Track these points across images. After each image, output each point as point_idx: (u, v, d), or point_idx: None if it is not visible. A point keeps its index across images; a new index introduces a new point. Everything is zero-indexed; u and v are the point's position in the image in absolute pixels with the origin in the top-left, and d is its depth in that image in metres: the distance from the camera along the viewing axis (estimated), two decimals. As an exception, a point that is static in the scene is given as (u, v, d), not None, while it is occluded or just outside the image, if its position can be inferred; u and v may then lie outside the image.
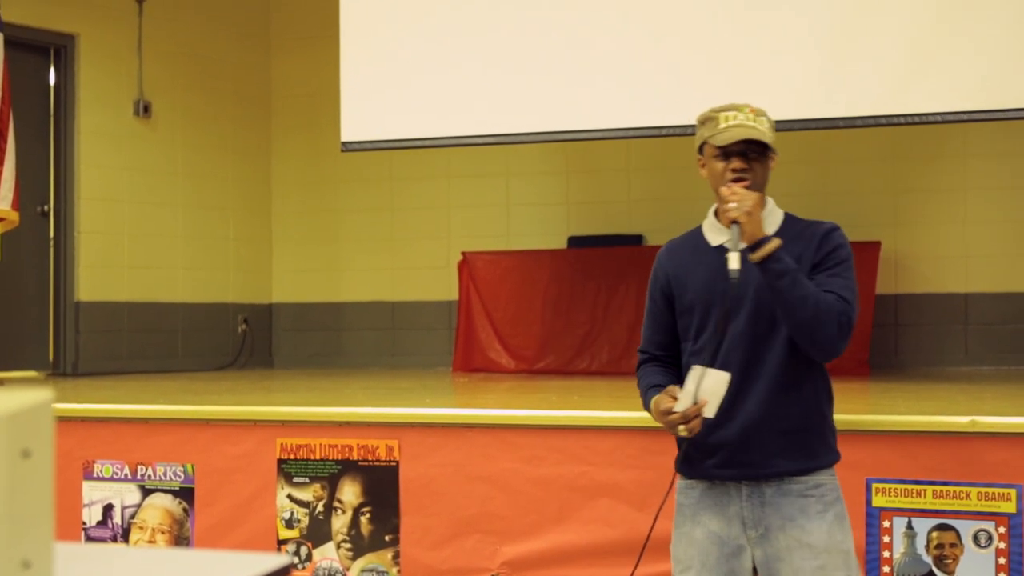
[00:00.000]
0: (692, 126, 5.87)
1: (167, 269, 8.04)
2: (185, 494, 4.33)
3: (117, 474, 4.35)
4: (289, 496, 4.23)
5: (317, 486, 4.20)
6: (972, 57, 5.50)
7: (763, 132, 2.81)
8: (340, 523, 4.19)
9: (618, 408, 4.28)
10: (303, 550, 4.21)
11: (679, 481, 2.88)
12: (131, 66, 7.85)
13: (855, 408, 4.77)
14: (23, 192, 6.14)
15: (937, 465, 3.71)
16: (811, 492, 2.76)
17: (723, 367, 2.68)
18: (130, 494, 4.38)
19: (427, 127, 6.19)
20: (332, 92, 6.41)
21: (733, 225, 2.69)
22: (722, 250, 2.75)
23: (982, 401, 4.75)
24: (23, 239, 6.99)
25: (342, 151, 6.37)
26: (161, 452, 4.40)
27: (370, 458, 4.15)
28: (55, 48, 7.55)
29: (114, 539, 4.38)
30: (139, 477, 4.38)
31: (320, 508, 4.20)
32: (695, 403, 2.64)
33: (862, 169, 7.76)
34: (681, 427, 2.67)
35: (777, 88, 5.70)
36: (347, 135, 6.27)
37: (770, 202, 2.88)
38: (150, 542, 4.33)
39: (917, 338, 7.59)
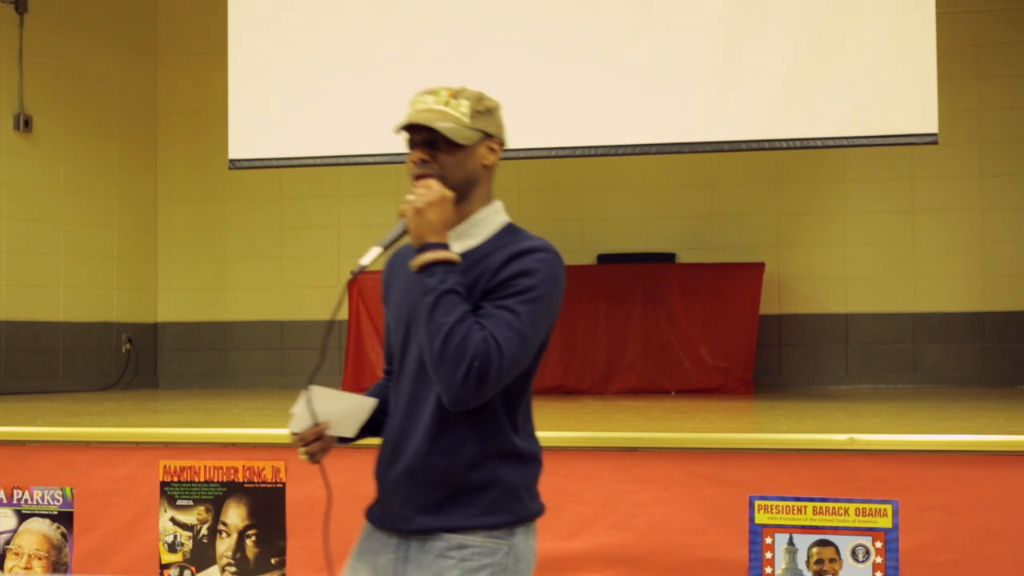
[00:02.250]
0: (586, 147, 5.96)
1: (48, 287, 7.84)
2: (64, 518, 4.22)
3: (-8, 499, 4.22)
4: (172, 519, 4.15)
5: (201, 508, 4.13)
6: (850, 86, 5.67)
7: (433, 117, 2.42)
8: (225, 546, 4.12)
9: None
10: (186, 574, 4.13)
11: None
12: (11, 79, 7.66)
13: (739, 426, 4.86)
14: None
15: (817, 482, 3.79)
16: (451, 554, 2.36)
17: (399, 398, 2.41)
18: (5, 519, 4.25)
19: (316, 145, 6.16)
20: (220, 109, 6.34)
21: (400, 220, 2.34)
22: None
23: (860, 419, 4.87)
24: None
25: (230, 168, 6.30)
26: (39, 475, 4.28)
27: (256, 480, 4.10)
28: (-69, 59, 7.34)
29: (-11, 565, 4.25)
30: (15, 501, 4.26)
31: (204, 531, 4.13)
32: (315, 424, 2.38)
33: (746, 192, 7.92)
34: (300, 450, 2.42)
35: (665, 112, 5.80)
36: (235, 152, 6.20)
37: (489, 208, 2.48)
38: (26, 568, 4.21)
39: (799, 357, 7.76)
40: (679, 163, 7.69)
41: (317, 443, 2.40)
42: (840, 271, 7.77)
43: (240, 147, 6.19)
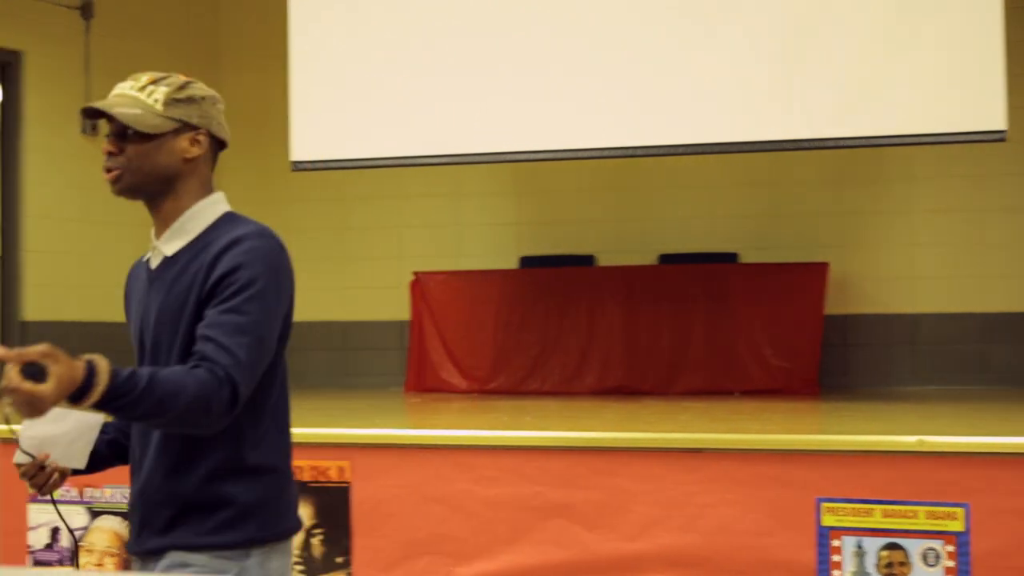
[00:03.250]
0: (646, 147, 5.93)
1: (115, 288, 7.92)
2: (133, 517, 4.28)
3: (64, 496, 4.29)
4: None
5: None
6: (915, 83, 5.59)
7: (117, 103, 2.25)
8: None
9: (570, 428, 4.28)
10: (253, 573, 4.16)
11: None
12: (78, 83, 7.78)
13: (805, 427, 4.81)
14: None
15: (885, 484, 3.74)
16: (173, 571, 2.22)
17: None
18: (78, 516, 4.31)
19: (377, 147, 6.18)
20: (282, 112, 6.39)
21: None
22: (154, 271, 2.31)
23: (930, 420, 4.81)
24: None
25: (292, 171, 6.35)
26: (110, 474, 4.33)
27: (321, 479, 4.12)
28: (0, 65, 7.46)
29: (61, 562, 4.31)
30: (86, 499, 4.32)
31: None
32: (33, 457, 2.21)
33: (810, 191, 7.85)
34: (27, 483, 2.26)
35: (727, 111, 5.76)
36: (297, 155, 6.25)
37: (204, 200, 2.32)
38: (98, 565, 4.27)
39: (866, 358, 7.67)
40: (741, 162, 7.63)
41: (42, 475, 2.23)
42: (907, 270, 7.67)
43: (302, 149, 6.23)
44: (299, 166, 6.24)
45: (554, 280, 7.49)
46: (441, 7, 6.11)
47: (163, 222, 2.33)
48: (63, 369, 1.92)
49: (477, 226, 8.30)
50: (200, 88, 2.37)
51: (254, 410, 2.21)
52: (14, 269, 7.38)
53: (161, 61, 8.27)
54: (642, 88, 5.83)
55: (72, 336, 7.62)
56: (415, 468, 4.12)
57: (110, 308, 7.83)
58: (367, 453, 4.13)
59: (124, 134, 2.26)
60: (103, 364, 1.99)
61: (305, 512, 4.13)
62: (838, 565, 3.72)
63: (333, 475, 4.12)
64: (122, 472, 4.28)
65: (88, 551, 4.31)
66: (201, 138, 2.34)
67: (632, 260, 7.74)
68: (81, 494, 4.32)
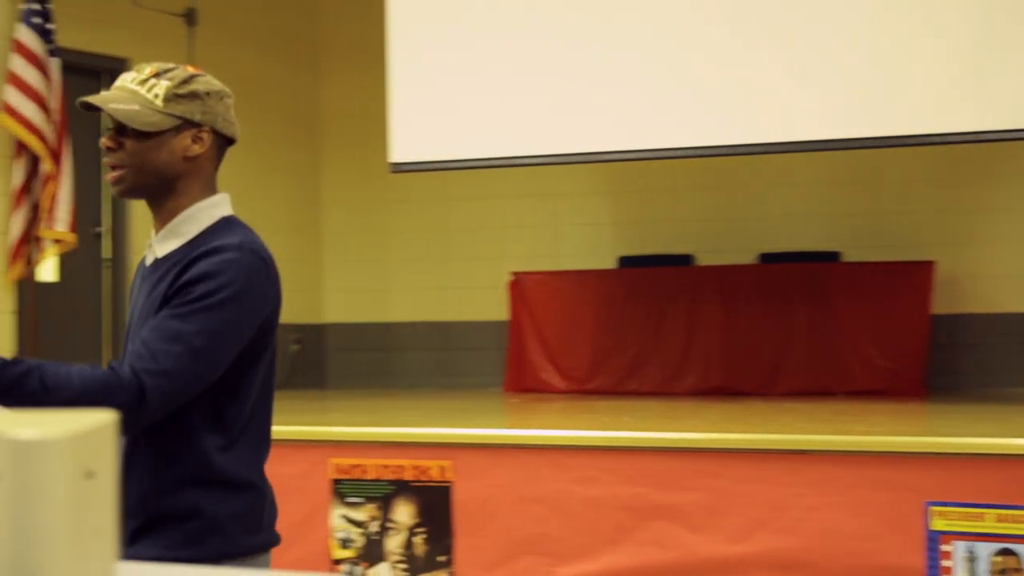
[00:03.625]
0: (743, 145, 5.86)
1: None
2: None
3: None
4: (343, 516, 4.23)
5: (371, 506, 4.20)
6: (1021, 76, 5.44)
7: (114, 97, 2.16)
8: (394, 543, 4.18)
9: (671, 429, 4.25)
10: (357, 570, 4.20)
11: None
12: (184, 89, 7.92)
13: (912, 429, 4.71)
14: (78, 213, 6.22)
15: (997, 488, 3.65)
16: None
17: None
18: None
19: (475, 148, 6.20)
20: (381, 113, 6.44)
21: None
22: (147, 270, 2.24)
23: (1043, 422, 4.68)
24: (79, 260, 7.06)
25: (391, 172, 6.40)
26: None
27: (423, 479, 4.15)
28: (109, 72, 7.64)
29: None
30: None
31: (374, 528, 4.20)
32: None
33: (914, 188, 7.68)
34: None
35: (827, 109, 5.66)
36: (396, 156, 6.29)
37: (204, 202, 2.23)
38: (204, 562, 4.35)
39: (974, 358, 7.49)
40: (842, 159, 7.50)
41: None
42: (1017, 269, 7.47)
43: (401, 151, 6.27)
44: (398, 167, 6.29)
45: (652, 280, 7.44)
46: (539, 7, 6.10)
47: (161, 221, 2.24)
48: None
49: (574, 226, 8.29)
50: (206, 82, 2.25)
51: (221, 422, 2.13)
52: (123, 272, 7.55)
53: (261, 66, 8.41)
54: (741, 85, 5.76)
55: (178, 336, 7.78)
56: (515, 468, 4.13)
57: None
58: (469, 453, 4.15)
59: (124, 129, 2.16)
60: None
61: (407, 511, 4.16)
62: (948, 571, 3.63)
63: (435, 474, 4.14)
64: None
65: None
66: (204, 135, 2.22)
67: (731, 259, 7.65)
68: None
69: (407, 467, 4.17)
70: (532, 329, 7.43)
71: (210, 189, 2.27)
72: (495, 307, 8.05)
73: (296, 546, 4.30)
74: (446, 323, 8.48)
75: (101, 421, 1.27)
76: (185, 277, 2.10)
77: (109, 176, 2.19)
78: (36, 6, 5.98)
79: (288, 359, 8.47)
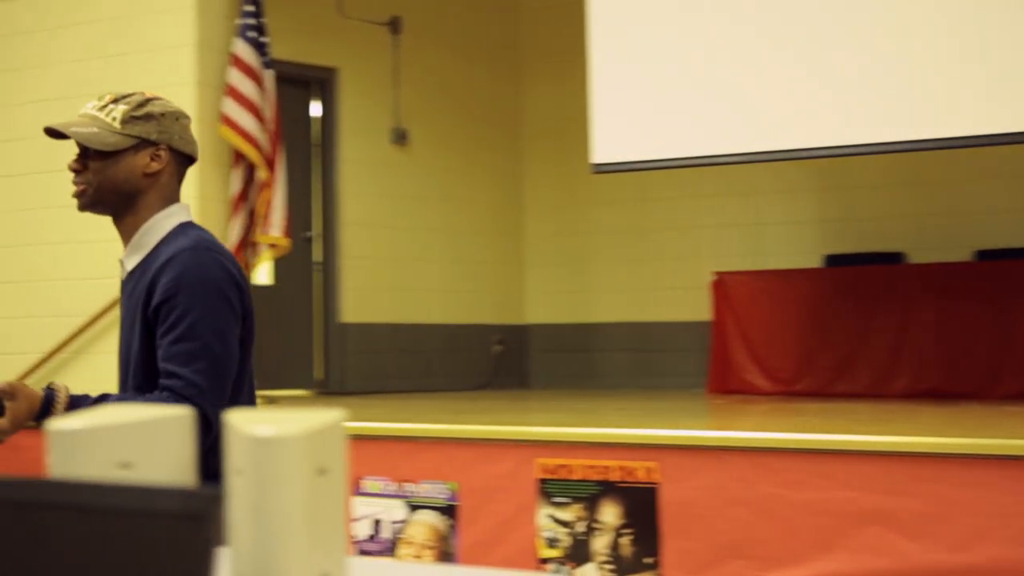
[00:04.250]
0: (951, 139, 5.64)
1: (424, 292, 8.27)
2: (449, 511, 4.43)
3: (385, 490, 4.49)
4: (550, 516, 4.26)
5: (578, 506, 4.22)
6: None
7: (74, 122, 2.35)
8: (601, 544, 4.19)
9: (884, 432, 4.12)
10: (564, 570, 4.22)
11: None
12: (388, 96, 8.13)
13: None
14: (291, 219, 6.45)
15: None
16: None
17: None
18: (397, 510, 4.50)
19: (676, 147, 6.15)
20: (581, 115, 6.46)
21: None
22: (123, 282, 2.41)
23: None
24: (291, 264, 7.34)
25: (593, 173, 6.41)
26: (425, 470, 4.51)
27: (629, 480, 4.14)
28: (318, 82, 7.91)
29: (381, 554, 4.52)
30: (405, 494, 4.51)
31: (581, 528, 4.21)
32: None
33: None
34: None
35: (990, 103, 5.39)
36: (597, 157, 6.30)
37: (160, 213, 2.37)
38: (417, 557, 4.45)
39: None
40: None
41: None
42: None
43: (603, 151, 6.28)
44: (599, 168, 6.29)
45: (861, 279, 7.23)
46: (739, 5, 6.02)
47: (126, 236, 2.40)
48: (19, 405, 2.21)
49: (778, 224, 8.13)
50: (161, 104, 2.40)
51: (208, 424, 2.21)
52: (334, 275, 7.81)
53: (464, 72, 8.56)
54: (951, 76, 5.54)
55: (384, 337, 7.99)
56: (722, 470, 4.07)
57: (419, 310, 8.19)
58: (675, 454, 4.12)
59: (87, 151, 2.35)
60: (61, 395, 2.24)
61: (614, 512, 4.16)
62: None
63: (641, 476, 4.13)
64: (436, 469, 4.43)
65: (408, 543, 4.49)
66: (162, 153, 2.37)
67: (944, 257, 7.37)
68: (401, 489, 4.51)
69: (613, 468, 4.17)
70: (736, 329, 7.32)
71: (169, 202, 2.41)
72: (696, 307, 7.96)
73: (503, 544, 4.36)
74: (647, 324, 8.44)
75: (333, 420, 1.31)
76: (156, 299, 2.26)
77: (73, 192, 2.38)
78: (251, 21, 6.23)
79: (491, 360, 8.59)
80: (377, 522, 4.54)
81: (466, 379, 8.34)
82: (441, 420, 4.92)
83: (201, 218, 6.13)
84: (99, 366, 6.35)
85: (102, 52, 6.52)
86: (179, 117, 2.45)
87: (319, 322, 7.83)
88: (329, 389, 7.74)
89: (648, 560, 4.11)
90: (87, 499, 1.12)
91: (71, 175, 2.39)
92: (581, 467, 4.22)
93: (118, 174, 2.36)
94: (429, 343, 8.26)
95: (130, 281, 2.40)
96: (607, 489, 4.17)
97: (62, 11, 6.67)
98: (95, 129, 2.35)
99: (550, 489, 4.27)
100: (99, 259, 6.37)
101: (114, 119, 2.36)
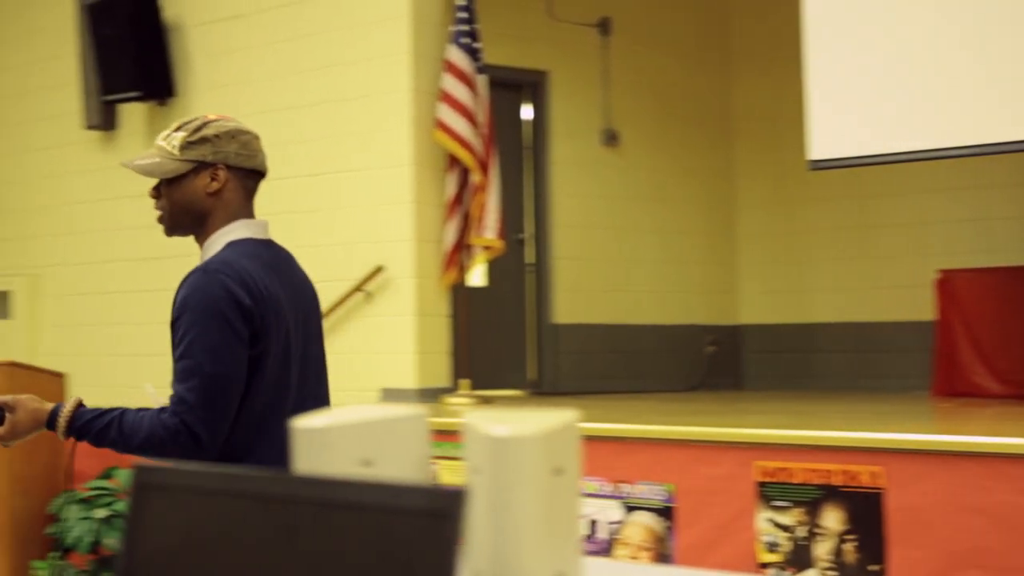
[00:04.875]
0: None
1: (636, 292, 8.25)
2: (666, 513, 4.40)
3: (601, 491, 4.49)
4: (770, 520, 4.18)
5: (799, 511, 4.12)
6: None
7: (142, 156, 2.53)
8: (823, 550, 4.08)
9: None
10: (784, 575, 4.14)
11: None
12: (598, 97, 8.14)
13: None
14: (504, 221, 6.53)
15: None
16: None
17: None
18: (613, 511, 4.50)
19: (897, 141, 5.94)
20: (794, 111, 6.32)
21: None
22: None
23: None
24: (504, 265, 7.43)
25: (810, 169, 6.25)
26: (641, 471, 4.50)
27: (852, 484, 4.02)
28: (529, 85, 7.98)
29: (597, 554, 4.52)
30: (621, 494, 4.50)
31: (802, 533, 4.12)
32: None
33: None
34: None
35: None
36: (814, 153, 6.14)
37: (220, 231, 2.54)
38: (633, 558, 4.43)
39: None
40: None
41: None
42: None
43: (820, 148, 6.11)
44: (816, 165, 6.14)
45: (1099, 275, 6.84)
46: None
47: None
48: (19, 417, 2.44)
49: (1006, 219, 7.76)
50: (217, 126, 2.55)
51: (234, 424, 2.40)
52: (546, 275, 7.87)
53: (674, 71, 8.50)
54: None
55: (596, 338, 8.01)
56: (952, 476, 3.91)
57: (631, 311, 8.17)
58: (901, 459, 3.98)
59: (160, 181, 2.53)
60: (66, 409, 2.43)
61: (836, 517, 4.05)
62: None
63: (865, 480, 4.00)
64: (652, 470, 4.39)
65: (624, 544, 4.48)
66: (219, 173, 2.51)
67: None
68: (616, 490, 4.50)
69: (835, 472, 4.06)
70: (963, 329, 7.02)
71: (235, 218, 2.55)
72: (919, 306, 7.67)
73: (722, 547, 4.30)
74: (867, 323, 8.19)
75: (568, 420, 1.32)
76: (172, 316, 2.45)
77: (157, 218, 2.58)
78: (465, 27, 6.34)
79: (704, 360, 8.49)
80: (593, 522, 4.55)
81: (678, 380, 8.27)
82: (656, 421, 4.90)
83: (417, 222, 6.34)
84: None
85: (321, 63, 6.75)
86: (236, 135, 2.58)
87: (532, 323, 7.91)
88: (542, 390, 7.80)
89: (873, 568, 3.99)
90: (333, 495, 1.15)
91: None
92: (802, 470, 4.13)
93: (184, 197, 2.52)
94: (641, 344, 8.23)
95: None
96: (829, 493, 4.06)
97: (284, 26, 6.94)
98: (157, 159, 2.52)
99: (770, 492, 4.19)
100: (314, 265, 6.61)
101: (174, 147, 2.52)
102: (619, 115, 8.19)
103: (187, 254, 7.09)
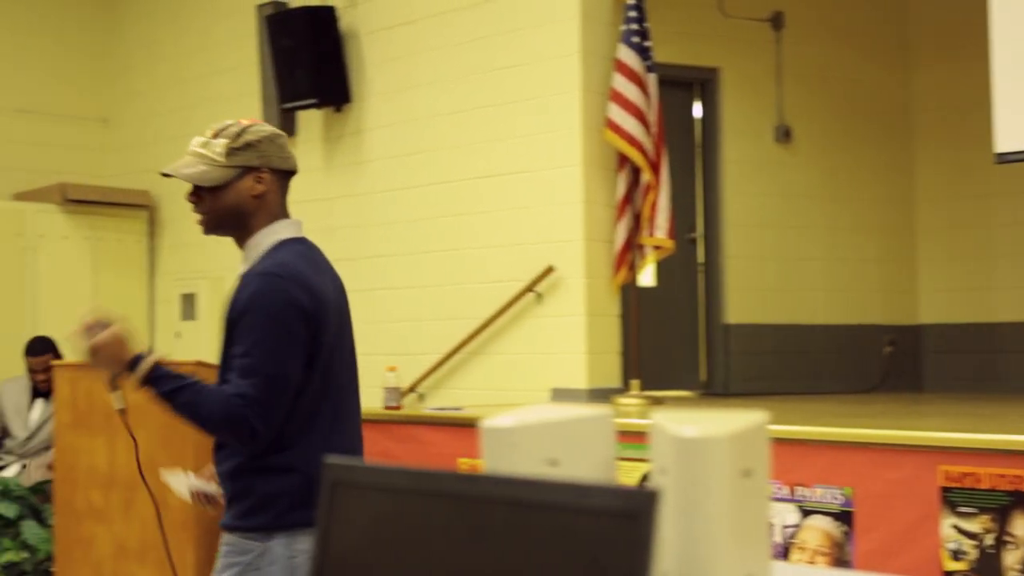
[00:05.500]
0: None
1: (810, 291, 8.08)
2: (844, 517, 4.30)
3: (776, 494, 4.42)
4: (954, 526, 4.04)
5: (985, 518, 3.98)
6: None
7: (183, 165, 2.62)
8: (1013, 559, 3.93)
9: None
10: (972, 584, 4.00)
11: None
12: (770, 93, 8.02)
13: None
14: (674, 220, 6.48)
15: None
16: (222, 547, 2.72)
17: None
18: (789, 514, 4.42)
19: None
20: (977, 102, 6.10)
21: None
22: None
23: None
24: (674, 265, 7.38)
25: (995, 163, 6.02)
26: (818, 474, 4.40)
27: (1046, 491, 3.85)
28: (699, 82, 7.91)
29: (774, 558, 4.45)
30: (797, 498, 4.42)
31: (989, 541, 3.97)
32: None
33: None
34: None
35: None
36: (1001, 146, 5.90)
37: (266, 230, 2.68)
38: (810, 563, 4.35)
39: None
40: None
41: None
42: None
43: (1006, 140, 5.87)
44: (1004, 158, 5.90)
45: None
46: None
47: (242, 250, 2.73)
48: (110, 341, 2.55)
49: None
50: (256, 131, 2.66)
51: (287, 421, 2.61)
52: (717, 275, 7.78)
53: (849, 63, 8.30)
54: None
55: (768, 338, 7.88)
56: None
57: (804, 311, 8.01)
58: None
59: (200, 186, 2.65)
60: (151, 359, 2.56)
61: (1027, 524, 3.89)
62: None
63: (1058, 487, 3.83)
64: (829, 473, 4.29)
65: (800, 548, 4.40)
66: (264, 176, 2.66)
67: None
68: (792, 493, 4.42)
69: (1026, 477, 3.89)
70: None
71: (276, 218, 2.71)
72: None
73: (903, 554, 4.18)
74: None
75: (757, 422, 1.30)
76: (233, 313, 2.59)
77: (196, 220, 2.70)
78: (635, 26, 6.31)
79: (881, 361, 8.27)
80: (769, 526, 4.47)
81: (854, 381, 8.07)
82: (832, 423, 4.79)
83: (587, 222, 6.35)
84: (492, 366, 6.66)
85: (491, 66, 6.82)
86: (274, 138, 2.72)
87: (703, 323, 7.84)
88: (712, 390, 7.72)
89: (1068, 578, 3.82)
90: (524, 495, 1.16)
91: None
92: (989, 476, 3.98)
93: (229, 201, 2.65)
94: (815, 344, 8.06)
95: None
96: (1020, 500, 3.90)
97: (454, 30, 7.04)
98: (203, 167, 2.63)
99: (955, 498, 4.05)
100: (488, 267, 6.67)
101: (218, 154, 2.64)
102: (792, 111, 8.04)
103: (362, 256, 7.27)
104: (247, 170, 2.66)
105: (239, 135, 2.66)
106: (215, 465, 2.79)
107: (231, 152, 2.64)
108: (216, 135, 2.67)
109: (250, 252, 2.70)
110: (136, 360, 2.59)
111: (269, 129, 2.74)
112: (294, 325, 2.58)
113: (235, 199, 2.66)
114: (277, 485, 2.65)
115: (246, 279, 2.64)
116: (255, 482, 2.67)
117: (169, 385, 2.58)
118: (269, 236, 2.69)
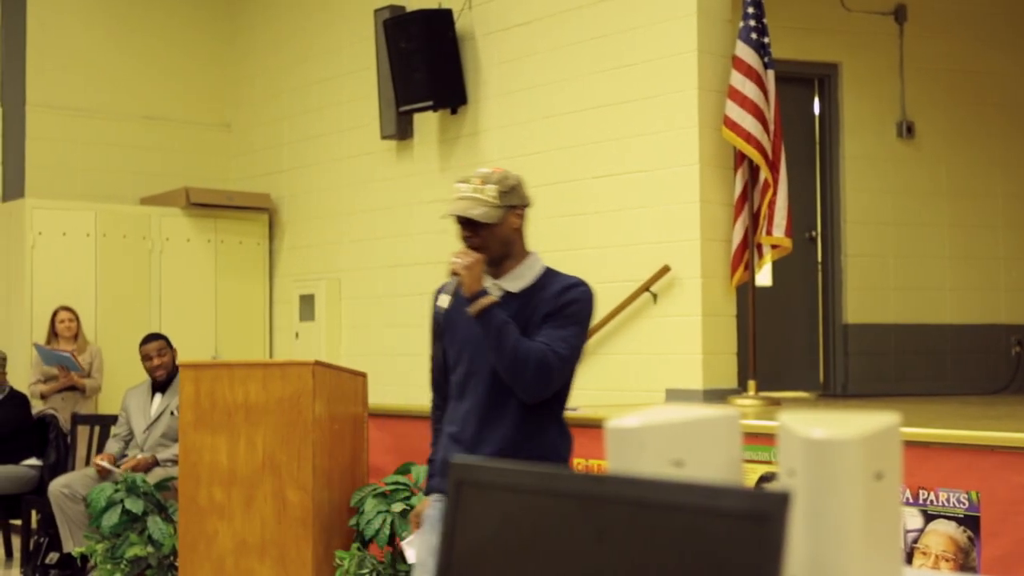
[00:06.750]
0: None
1: (933, 291, 7.89)
2: (970, 522, 4.18)
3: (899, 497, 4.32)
4: (1090, 533, 3.91)
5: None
6: None
7: (469, 207, 3.13)
8: None
9: None
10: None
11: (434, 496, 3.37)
12: (892, 88, 7.85)
13: None
14: (793, 219, 6.39)
15: None
16: None
17: (467, 403, 3.27)
18: (912, 518, 4.32)
19: None
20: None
21: (453, 276, 3.15)
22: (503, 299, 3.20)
23: None
24: (792, 264, 7.26)
25: None
26: (943, 477, 4.29)
27: None
28: (818, 78, 7.78)
29: (898, 563, 4.35)
30: (921, 502, 4.32)
31: None
32: None
33: None
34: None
35: None
36: None
37: (532, 256, 3.29)
38: (934, 568, 4.24)
39: None
40: None
41: None
42: None
43: None
44: None
45: None
46: None
47: (502, 271, 3.25)
48: (477, 261, 3.14)
49: None
50: (513, 176, 3.25)
51: (562, 400, 3.31)
52: (836, 273, 7.65)
53: (975, 56, 8.08)
54: None
55: (889, 338, 7.71)
56: None
57: (928, 310, 7.82)
58: None
59: (475, 222, 3.17)
60: (493, 296, 3.12)
61: None
62: None
63: None
64: (955, 477, 4.20)
65: (923, 553, 4.30)
66: (521, 212, 3.26)
67: None
68: (916, 496, 4.32)
69: None
70: None
71: (525, 244, 3.31)
72: None
73: (1035, 561, 4.05)
74: None
75: (889, 423, 1.27)
76: (561, 301, 3.19)
77: (472, 253, 3.20)
78: (753, 23, 6.24)
79: (1010, 361, 8.04)
80: (902, 531, 4.38)
81: (981, 382, 7.86)
82: (958, 425, 4.66)
83: (703, 221, 6.28)
84: (605, 366, 6.63)
85: (607, 65, 6.80)
86: (521, 182, 3.29)
87: (820, 322, 7.71)
88: (830, 391, 7.58)
89: None
90: (651, 495, 1.15)
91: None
92: None
93: (502, 234, 3.22)
94: (939, 344, 7.86)
95: (517, 299, 3.23)
96: None
97: (570, 30, 7.03)
98: (484, 208, 3.17)
99: (1091, 504, 3.91)
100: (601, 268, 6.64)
101: (492, 197, 3.19)
102: (914, 105, 7.86)
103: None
104: (510, 208, 3.22)
105: (503, 180, 3.22)
106: (522, 440, 3.22)
107: (502, 195, 3.20)
108: (484, 182, 3.20)
109: (527, 271, 3.27)
110: (483, 291, 3.14)
111: (517, 174, 3.31)
112: (588, 328, 3.30)
113: (506, 233, 3.23)
114: (568, 446, 3.33)
115: (571, 285, 3.23)
116: (556, 442, 3.28)
117: (504, 317, 3.13)
118: (538, 262, 3.31)
